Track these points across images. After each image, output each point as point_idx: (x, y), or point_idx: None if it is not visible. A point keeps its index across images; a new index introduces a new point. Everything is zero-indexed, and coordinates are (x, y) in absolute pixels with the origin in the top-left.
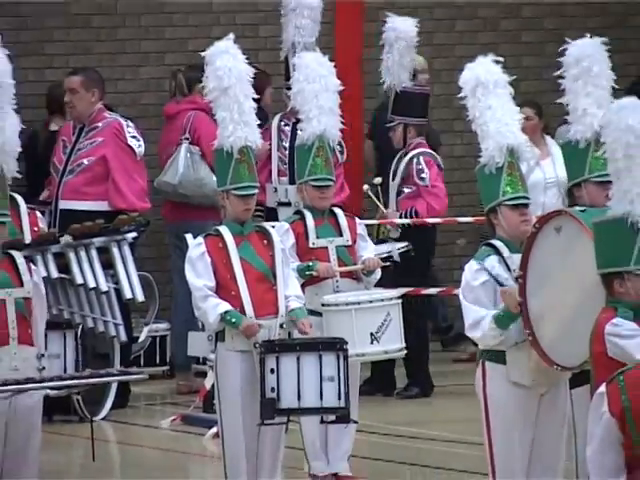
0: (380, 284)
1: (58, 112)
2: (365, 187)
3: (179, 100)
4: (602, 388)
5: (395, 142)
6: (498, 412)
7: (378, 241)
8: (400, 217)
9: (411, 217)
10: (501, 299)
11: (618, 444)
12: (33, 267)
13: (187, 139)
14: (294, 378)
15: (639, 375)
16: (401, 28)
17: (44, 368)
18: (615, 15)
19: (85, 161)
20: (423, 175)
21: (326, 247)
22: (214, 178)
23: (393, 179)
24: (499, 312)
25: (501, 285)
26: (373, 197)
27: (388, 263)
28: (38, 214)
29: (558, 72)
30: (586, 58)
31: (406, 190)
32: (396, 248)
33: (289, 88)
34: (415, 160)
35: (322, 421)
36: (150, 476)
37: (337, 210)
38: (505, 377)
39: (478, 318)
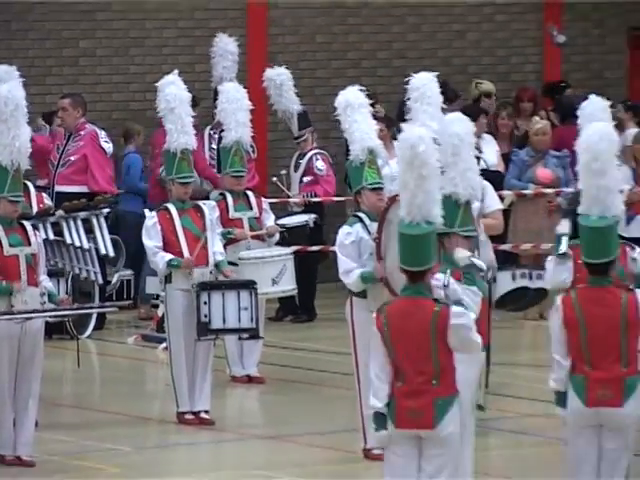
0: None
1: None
2: (274, 179)
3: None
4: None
5: (308, 146)
6: (361, 333)
7: (290, 213)
8: (304, 197)
9: (312, 197)
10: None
11: None
12: (37, 232)
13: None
14: (220, 308)
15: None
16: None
17: (45, 302)
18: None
19: (72, 158)
20: (320, 168)
21: (241, 218)
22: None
23: (295, 171)
24: (365, 272)
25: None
26: (279, 184)
27: (284, 229)
28: (44, 195)
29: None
30: (423, 86)
31: (305, 179)
32: (311, 218)
33: (216, 107)
34: (314, 158)
35: (239, 338)
36: (120, 376)
37: (249, 192)
38: (366, 307)
39: (348, 268)
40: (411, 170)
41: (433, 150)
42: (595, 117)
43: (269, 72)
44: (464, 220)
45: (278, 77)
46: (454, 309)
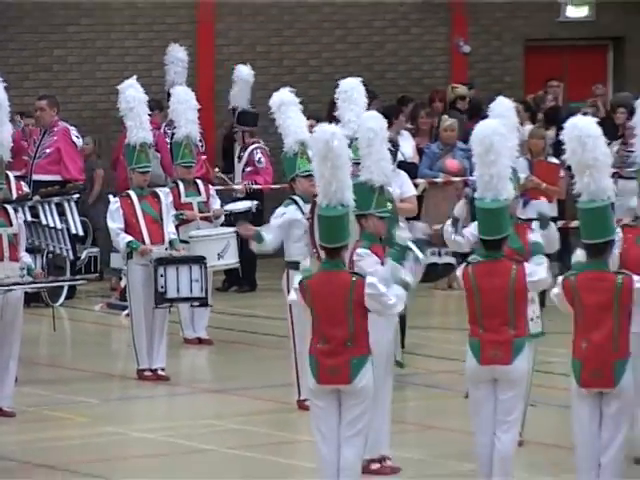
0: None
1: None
2: (216, 169)
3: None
4: None
5: (238, 141)
6: (299, 305)
7: (234, 199)
8: (246, 186)
9: (253, 185)
10: None
11: None
12: (17, 215)
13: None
14: (174, 280)
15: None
16: (242, 74)
17: (24, 275)
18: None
19: (47, 150)
20: (260, 160)
21: (191, 202)
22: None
23: (239, 162)
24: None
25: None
26: (222, 175)
27: (229, 213)
28: (22, 183)
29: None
30: (350, 89)
31: (247, 169)
32: (254, 204)
33: (169, 108)
34: (255, 151)
35: (191, 305)
36: (88, 339)
37: (198, 180)
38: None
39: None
40: (325, 162)
41: (344, 144)
42: (503, 115)
43: (239, 69)
44: (379, 202)
45: (248, 76)
46: (368, 279)
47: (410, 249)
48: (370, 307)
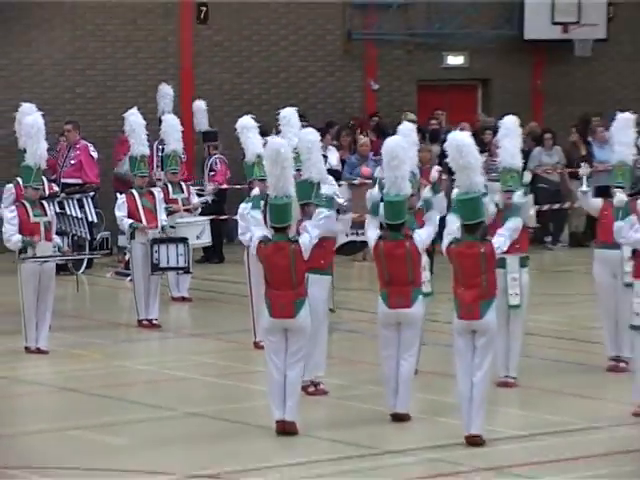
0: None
1: None
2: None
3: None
4: None
5: (205, 152)
6: (253, 269)
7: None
8: (214, 186)
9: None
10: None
11: None
12: (51, 207)
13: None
14: (165, 254)
15: None
16: (200, 106)
17: (55, 251)
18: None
19: (72, 162)
20: (216, 165)
21: (177, 198)
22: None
23: (205, 169)
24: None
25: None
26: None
27: (204, 205)
28: (53, 184)
29: None
30: (289, 115)
31: (210, 173)
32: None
33: (160, 130)
34: (215, 160)
35: (177, 273)
36: (102, 297)
37: (182, 182)
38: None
39: (245, 230)
40: (276, 164)
41: (289, 152)
42: (406, 134)
43: (199, 103)
44: (316, 194)
45: (203, 107)
46: (300, 240)
47: (333, 198)
48: (305, 257)
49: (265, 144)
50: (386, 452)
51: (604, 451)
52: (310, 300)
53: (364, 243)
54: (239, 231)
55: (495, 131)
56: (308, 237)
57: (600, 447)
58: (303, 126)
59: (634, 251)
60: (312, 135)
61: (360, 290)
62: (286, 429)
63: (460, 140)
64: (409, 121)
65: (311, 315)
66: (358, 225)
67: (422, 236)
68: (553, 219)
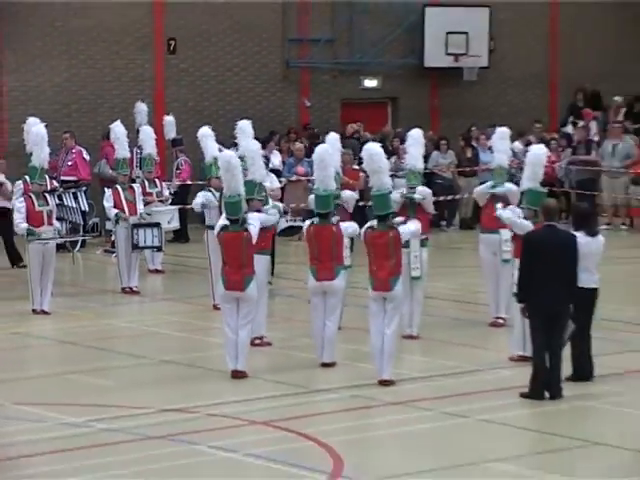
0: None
1: None
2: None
3: (104, 141)
4: None
5: (173, 155)
6: (211, 247)
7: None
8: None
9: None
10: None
11: None
12: (52, 198)
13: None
14: (143, 235)
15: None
16: (169, 120)
17: (56, 234)
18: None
19: (69, 163)
20: (181, 167)
21: (152, 192)
22: (110, 171)
23: (175, 168)
24: (223, 225)
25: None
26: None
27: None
28: (54, 181)
29: None
30: (244, 127)
31: (177, 172)
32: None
33: (139, 138)
34: (180, 161)
35: (152, 250)
36: (93, 270)
37: (156, 179)
38: (212, 235)
39: (199, 202)
40: (228, 171)
41: (237, 161)
42: (332, 143)
43: (168, 118)
44: (259, 192)
45: (172, 120)
46: (250, 229)
47: (278, 206)
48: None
49: (220, 149)
50: (316, 390)
51: (490, 388)
52: (256, 271)
53: (300, 228)
54: (194, 201)
55: (402, 140)
56: (254, 228)
57: (487, 385)
58: (235, 143)
59: (513, 235)
60: (255, 145)
61: (296, 264)
62: (238, 376)
63: (372, 149)
64: (355, 131)
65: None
66: (295, 213)
67: (350, 228)
68: (447, 207)
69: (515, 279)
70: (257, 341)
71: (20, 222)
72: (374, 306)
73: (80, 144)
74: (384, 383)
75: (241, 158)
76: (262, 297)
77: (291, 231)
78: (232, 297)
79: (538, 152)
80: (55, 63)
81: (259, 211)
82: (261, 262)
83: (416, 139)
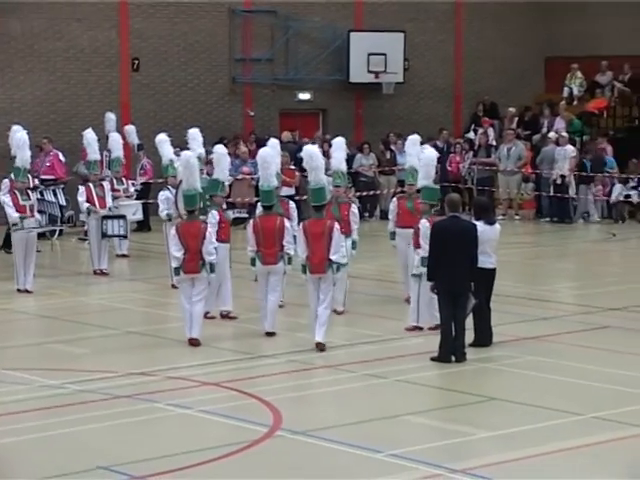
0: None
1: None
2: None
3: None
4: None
5: (141, 157)
6: (170, 237)
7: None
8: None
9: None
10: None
11: None
12: (34, 194)
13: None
14: (111, 225)
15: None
16: (131, 129)
17: (37, 224)
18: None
19: (47, 164)
20: (145, 167)
21: (119, 189)
22: (85, 170)
23: (139, 169)
24: (169, 213)
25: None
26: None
27: (137, 192)
28: (35, 179)
29: None
30: (194, 134)
31: (141, 172)
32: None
33: (108, 143)
34: (144, 163)
35: (119, 238)
36: (69, 254)
37: (123, 178)
38: (171, 227)
39: (162, 209)
40: (187, 169)
41: (195, 161)
42: (273, 147)
43: (129, 127)
44: (222, 189)
45: (133, 129)
46: (209, 226)
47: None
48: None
49: (175, 152)
50: (260, 356)
51: (406, 353)
52: (218, 259)
53: (247, 218)
54: (160, 208)
55: (331, 145)
56: (211, 227)
57: (402, 351)
58: (188, 148)
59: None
60: (222, 149)
61: (242, 249)
62: (193, 343)
63: (312, 150)
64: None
65: (218, 269)
66: (240, 206)
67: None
68: (369, 201)
69: (415, 263)
70: (224, 314)
71: (12, 213)
72: (311, 286)
73: (57, 148)
74: (319, 346)
75: (198, 158)
76: (226, 278)
77: (237, 221)
78: (189, 279)
79: (430, 155)
80: (36, 79)
81: (222, 206)
82: (223, 250)
83: (339, 145)
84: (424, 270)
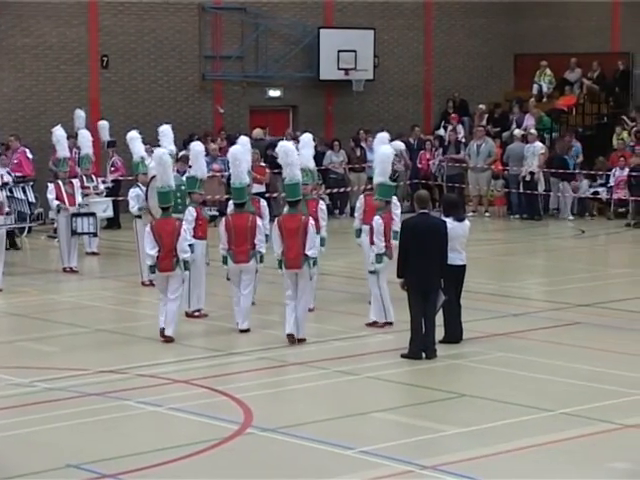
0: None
1: None
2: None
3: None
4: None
5: (108, 155)
6: (140, 234)
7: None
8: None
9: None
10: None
11: None
12: (2, 192)
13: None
14: (81, 223)
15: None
16: (103, 125)
17: (6, 222)
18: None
19: (15, 161)
20: (116, 164)
21: (89, 186)
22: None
23: (109, 166)
24: (140, 206)
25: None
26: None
27: (107, 190)
28: (6, 177)
29: None
30: (166, 131)
31: (112, 169)
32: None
33: (77, 140)
34: (115, 160)
35: (89, 236)
36: (38, 250)
37: (92, 175)
38: (143, 224)
39: (134, 204)
40: (161, 165)
41: (169, 158)
42: (243, 144)
43: (102, 123)
44: (199, 186)
45: (105, 125)
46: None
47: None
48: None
49: (147, 150)
50: (231, 353)
51: (376, 350)
52: (195, 256)
53: (215, 216)
54: (130, 204)
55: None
56: (187, 225)
57: (373, 347)
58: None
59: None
60: (199, 147)
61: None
62: (167, 340)
63: (287, 146)
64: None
65: (194, 266)
66: (211, 204)
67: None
68: (339, 198)
69: (371, 261)
70: (196, 313)
71: None
72: (288, 281)
73: (26, 145)
74: (299, 341)
75: (171, 155)
76: (201, 276)
77: (212, 218)
78: (163, 276)
79: (386, 152)
80: (4, 76)
81: (202, 203)
82: (199, 247)
83: (307, 142)
84: (379, 267)
